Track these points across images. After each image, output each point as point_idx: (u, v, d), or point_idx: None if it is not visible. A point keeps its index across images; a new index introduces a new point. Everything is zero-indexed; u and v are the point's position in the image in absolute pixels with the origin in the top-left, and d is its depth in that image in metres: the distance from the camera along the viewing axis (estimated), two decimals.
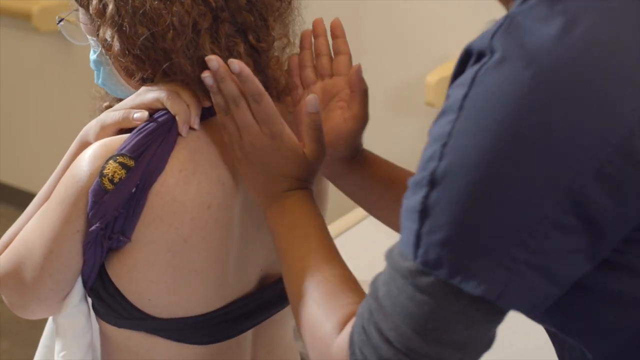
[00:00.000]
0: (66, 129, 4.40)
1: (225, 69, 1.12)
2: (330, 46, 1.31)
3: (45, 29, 3.77)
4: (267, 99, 1.14)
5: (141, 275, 1.18)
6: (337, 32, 1.30)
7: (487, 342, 0.92)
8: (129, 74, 1.22)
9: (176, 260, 1.18)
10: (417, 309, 0.88)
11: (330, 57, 1.30)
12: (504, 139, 0.85)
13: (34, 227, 1.22)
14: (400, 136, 3.46)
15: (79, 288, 1.23)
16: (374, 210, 1.39)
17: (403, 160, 3.85)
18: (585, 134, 0.84)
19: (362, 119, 1.27)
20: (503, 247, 0.86)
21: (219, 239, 1.20)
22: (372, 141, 3.77)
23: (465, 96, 0.88)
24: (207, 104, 1.19)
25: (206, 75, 1.14)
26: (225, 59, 1.14)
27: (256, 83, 1.13)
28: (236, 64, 1.11)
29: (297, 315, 1.08)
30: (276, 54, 1.26)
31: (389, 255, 0.93)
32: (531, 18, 0.88)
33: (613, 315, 0.94)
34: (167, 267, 1.18)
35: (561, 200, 0.84)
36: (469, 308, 0.88)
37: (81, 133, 1.24)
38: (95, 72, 1.30)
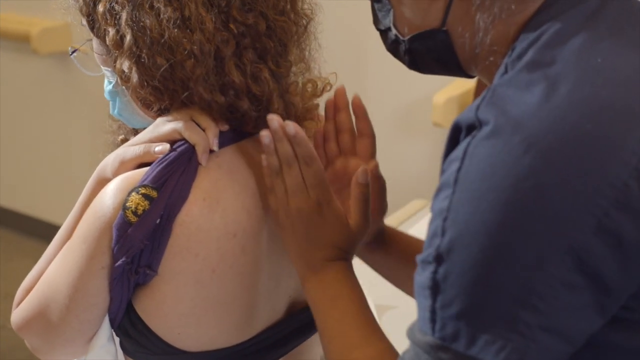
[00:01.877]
0: (65, 152, 4.41)
1: (284, 130, 1.12)
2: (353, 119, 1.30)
3: (45, 52, 3.76)
4: (319, 163, 1.14)
5: (170, 309, 1.16)
6: (358, 112, 1.28)
7: None
8: (146, 105, 1.21)
9: (205, 291, 1.16)
10: None
11: (353, 133, 1.29)
12: (500, 207, 0.87)
13: (57, 267, 1.19)
14: (407, 156, 3.44)
15: (106, 327, 1.21)
16: (394, 282, 1.40)
17: (411, 181, 3.85)
18: (580, 192, 0.86)
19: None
20: (514, 313, 0.87)
21: (247, 267, 1.18)
22: (380, 162, 3.75)
23: (459, 169, 0.90)
24: (224, 128, 1.18)
25: (265, 135, 1.12)
26: (250, 86, 1.14)
27: (310, 146, 1.13)
28: (292, 126, 1.11)
29: None
30: (293, 79, 1.25)
31: (411, 333, 0.95)
32: (513, 87, 0.91)
33: None
34: (196, 298, 1.16)
35: (564, 259, 0.86)
36: None
37: (98, 169, 1.22)
38: (110, 103, 1.27)
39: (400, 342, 1.04)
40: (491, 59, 1.01)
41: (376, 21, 1.13)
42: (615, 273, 0.87)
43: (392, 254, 1.35)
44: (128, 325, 1.19)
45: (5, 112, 4.16)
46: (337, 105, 1.28)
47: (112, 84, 1.24)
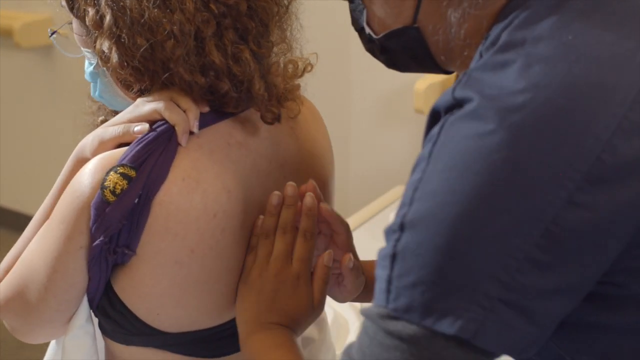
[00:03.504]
0: (51, 145, 4.39)
1: (297, 197, 1.16)
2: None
3: (27, 45, 3.75)
4: (314, 240, 1.17)
5: (149, 289, 1.16)
6: (329, 218, 1.24)
7: None
8: (126, 86, 1.21)
9: (184, 271, 1.15)
10: (388, 355, 0.88)
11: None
12: (471, 179, 0.87)
13: (35, 248, 1.19)
14: (390, 143, 3.45)
15: (84, 308, 1.21)
16: None
17: (393, 167, 3.86)
18: (552, 166, 0.86)
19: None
20: (475, 283, 0.86)
21: (227, 248, 1.18)
22: (363, 149, 3.77)
23: (434, 143, 0.91)
24: (204, 110, 1.17)
25: (276, 195, 1.16)
26: (231, 67, 1.14)
27: (315, 222, 1.16)
28: (310, 199, 1.16)
29: None
30: (275, 59, 1.25)
31: (365, 310, 0.93)
32: (488, 69, 0.92)
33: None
34: (175, 279, 1.15)
35: (533, 233, 0.86)
36: (445, 352, 0.87)
37: (76, 150, 1.22)
38: (91, 85, 1.28)
39: None
40: (466, 53, 1.02)
41: (353, 21, 1.14)
42: (588, 247, 0.87)
43: None
44: (107, 305, 1.19)
45: None
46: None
47: (92, 66, 1.24)
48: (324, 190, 1.31)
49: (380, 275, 0.91)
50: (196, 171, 1.15)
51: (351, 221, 2.89)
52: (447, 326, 0.86)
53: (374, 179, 3.43)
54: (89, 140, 1.20)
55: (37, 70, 3.92)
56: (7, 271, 1.24)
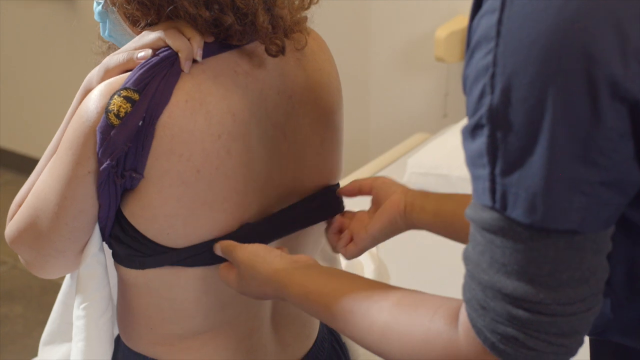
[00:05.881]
0: (72, 92, 4.39)
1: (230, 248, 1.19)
2: None
3: None
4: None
5: (157, 210, 1.17)
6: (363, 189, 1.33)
7: (602, 269, 0.88)
8: (133, 22, 1.22)
9: (191, 191, 1.17)
10: (522, 260, 0.85)
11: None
12: (552, 53, 0.81)
13: (45, 177, 1.21)
14: (410, 91, 3.45)
15: (96, 237, 1.23)
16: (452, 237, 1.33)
17: (413, 115, 3.86)
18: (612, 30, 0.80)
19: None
20: (576, 171, 0.82)
21: (234, 170, 1.19)
22: (383, 97, 3.77)
23: (499, 20, 0.84)
24: (209, 40, 1.18)
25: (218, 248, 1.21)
26: (235, 0, 1.15)
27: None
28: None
29: (388, 346, 1.01)
30: None
31: (471, 211, 0.89)
32: None
33: None
34: (183, 199, 1.17)
35: (617, 107, 0.81)
36: (558, 244, 0.84)
37: (85, 81, 1.23)
38: (100, 25, 1.29)
39: None
40: None
41: None
42: None
43: (435, 224, 1.31)
44: (119, 232, 1.20)
45: (9, 53, 4.17)
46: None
47: (100, 5, 1.25)
48: (331, 120, 1.32)
49: (479, 174, 0.86)
50: (199, 93, 1.16)
51: (371, 167, 2.91)
52: (553, 222, 0.83)
53: (395, 126, 3.44)
54: (95, 71, 1.22)
55: (59, 15, 3.93)
56: (20, 204, 1.26)
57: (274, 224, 1.27)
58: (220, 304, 1.26)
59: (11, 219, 1.26)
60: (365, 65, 3.42)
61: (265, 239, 1.24)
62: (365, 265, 1.92)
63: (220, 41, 1.19)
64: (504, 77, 0.83)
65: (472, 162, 0.87)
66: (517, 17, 0.83)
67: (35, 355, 1.62)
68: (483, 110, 0.85)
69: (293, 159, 1.27)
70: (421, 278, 2.18)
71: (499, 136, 0.84)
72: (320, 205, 1.32)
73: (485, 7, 0.87)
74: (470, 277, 0.90)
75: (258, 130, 1.21)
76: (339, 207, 1.35)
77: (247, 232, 1.23)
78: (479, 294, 0.89)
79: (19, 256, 1.29)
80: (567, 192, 0.83)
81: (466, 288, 0.90)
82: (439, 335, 0.94)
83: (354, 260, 1.92)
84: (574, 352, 0.89)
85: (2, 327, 3.25)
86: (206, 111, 1.16)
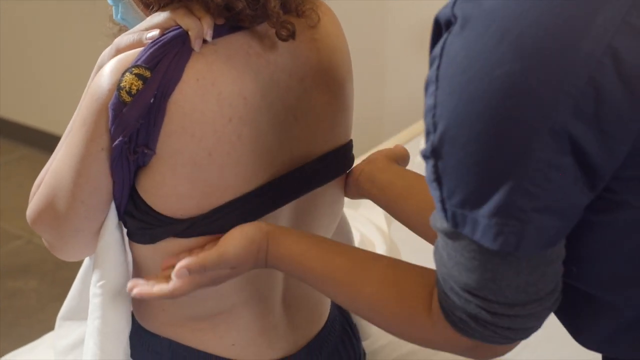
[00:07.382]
0: (90, 69, 4.40)
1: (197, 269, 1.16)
2: None
3: None
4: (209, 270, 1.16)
5: (169, 189, 1.18)
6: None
7: (545, 280, 0.97)
8: (146, 5, 1.23)
9: (203, 174, 1.17)
10: (469, 264, 0.97)
11: None
12: (481, 97, 0.89)
13: (61, 156, 1.22)
14: (425, 72, 3.44)
15: (112, 216, 1.24)
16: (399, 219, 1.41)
17: None
18: (555, 76, 0.87)
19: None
20: (509, 200, 0.90)
21: (244, 156, 1.19)
22: (398, 77, 3.75)
23: (438, 66, 0.93)
24: (220, 21, 1.18)
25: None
26: None
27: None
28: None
29: (374, 312, 1.13)
30: None
31: (434, 221, 1.00)
32: None
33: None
34: (195, 181, 1.17)
35: (549, 142, 0.87)
36: (494, 260, 0.95)
37: (98, 61, 1.24)
38: (113, 8, 1.29)
39: None
40: None
41: None
42: (598, 150, 0.88)
43: (390, 199, 1.38)
44: (133, 209, 1.21)
45: (26, 33, 4.18)
46: None
47: None
48: (341, 94, 1.32)
49: (435, 195, 0.97)
50: (211, 73, 1.16)
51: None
52: (490, 241, 0.92)
53: (409, 106, 3.43)
54: (107, 51, 1.23)
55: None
56: (39, 186, 1.27)
57: (283, 188, 1.26)
58: (232, 287, 1.26)
59: (32, 200, 1.27)
60: (382, 44, 3.41)
61: (277, 201, 1.25)
62: (377, 245, 1.92)
63: (230, 23, 1.19)
64: (442, 119, 0.92)
65: (428, 182, 0.97)
66: (451, 64, 0.92)
67: (49, 329, 1.63)
68: (428, 145, 0.95)
69: (305, 142, 1.27)
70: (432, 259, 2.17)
71: (441, 168, 0.94)
72: (329, 164, 1.31)
73: (434, 50, 0.95)
74: (437, 266, 1.02)
75: (269, 115, 1.21)
76: (349, 164, 1.36)
77: (260, 194, 1.23)
78: (441, 282, 1.01)
79: (42, 239, 1.30)
80: (502, 218, 0.91)
81: (437, 273, 1.03)
82: (418, 313, 1.07)
83: (366, 241, 1.93)
84: (522, 338, 1.02)
85: (17, 301, 3.27)
86: (218, 92, 1.16)
